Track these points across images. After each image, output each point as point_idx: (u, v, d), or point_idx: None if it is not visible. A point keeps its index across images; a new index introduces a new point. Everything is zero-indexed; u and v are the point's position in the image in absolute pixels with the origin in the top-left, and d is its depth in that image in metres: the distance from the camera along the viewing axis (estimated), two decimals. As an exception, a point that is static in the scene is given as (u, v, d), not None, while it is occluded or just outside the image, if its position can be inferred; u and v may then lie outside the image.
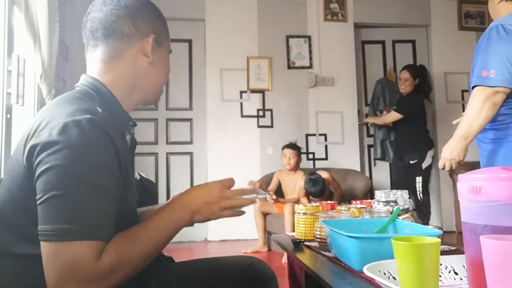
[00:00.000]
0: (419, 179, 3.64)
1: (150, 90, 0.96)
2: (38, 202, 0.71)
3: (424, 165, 3.68)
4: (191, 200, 0.84)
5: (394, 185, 3.94)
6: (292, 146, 3.68)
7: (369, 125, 4.34)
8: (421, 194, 3.63)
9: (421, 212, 3.65)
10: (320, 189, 3.30)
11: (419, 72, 3.86)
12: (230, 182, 0.88)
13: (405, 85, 3.81)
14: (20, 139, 0.80)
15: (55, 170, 0.70)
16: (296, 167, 3.66)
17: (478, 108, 1.51)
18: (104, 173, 0.74)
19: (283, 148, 3.71)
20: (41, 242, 0.70)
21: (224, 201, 0.85)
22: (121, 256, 0.73)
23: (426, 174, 3.72)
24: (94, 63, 0.91)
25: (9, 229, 0.78)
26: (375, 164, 4.47)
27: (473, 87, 1.56)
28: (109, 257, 0.71)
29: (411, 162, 3.70)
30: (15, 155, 0.79)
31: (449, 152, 1.62)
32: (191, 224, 0.85)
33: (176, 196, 0.89)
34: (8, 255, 0.78)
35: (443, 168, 1.67)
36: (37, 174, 0.72)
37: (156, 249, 0.79)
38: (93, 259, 0.69)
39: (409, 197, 1.36)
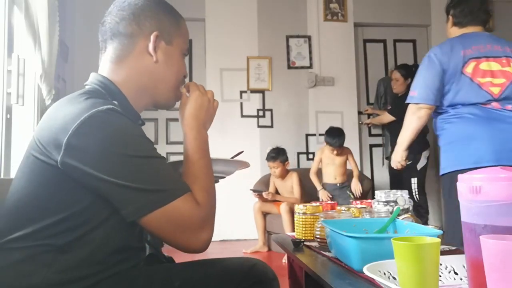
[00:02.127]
0: (414, 180, 3.62)
1: (158, 90, 0.96)
2: (114, 191, 0.75)
3: (419, 166, 3.65)
4: (198, 119, 0.95)
5: (391, 186, 3.94)
6: (272, 157, 3.57)
7: (368, 125, 4.35)
8: (417, 195, 3.62)
9: (418, 213, 3.63)
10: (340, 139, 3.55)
11: (411, 72, 3.83)
12: (192, 84, 0.99)
13: (397, 85, 3.88)
14: (43, 136, 0.79)
15: (112, 159, 0.75)
16: (284, 173, 3.63)
17: (408, 120, 1.96)
18: (148, 143, 0.81)
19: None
20: (143, 218, 0.76)
21: (211, 97, 1.01)
22: (205, 190, 0.85)
23: (422, 175, 3.68)
24: (104, 63, 0.94)
25: (22, 225, 0.78)
26: (383, 164, 4.41)
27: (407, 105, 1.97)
28: (201, 197, 0.83)
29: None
30: (33, 153, 0.80)
31: (394, 155, 2.08)
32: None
33: (184, 122, 0.95)
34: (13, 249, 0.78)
35: (396, 168, 2.09)
36: (89, 170, 0.74)
37: (210, 171, 0.91)
38: (196, 206, 0.81)
39: (409, 197, 1.36)
